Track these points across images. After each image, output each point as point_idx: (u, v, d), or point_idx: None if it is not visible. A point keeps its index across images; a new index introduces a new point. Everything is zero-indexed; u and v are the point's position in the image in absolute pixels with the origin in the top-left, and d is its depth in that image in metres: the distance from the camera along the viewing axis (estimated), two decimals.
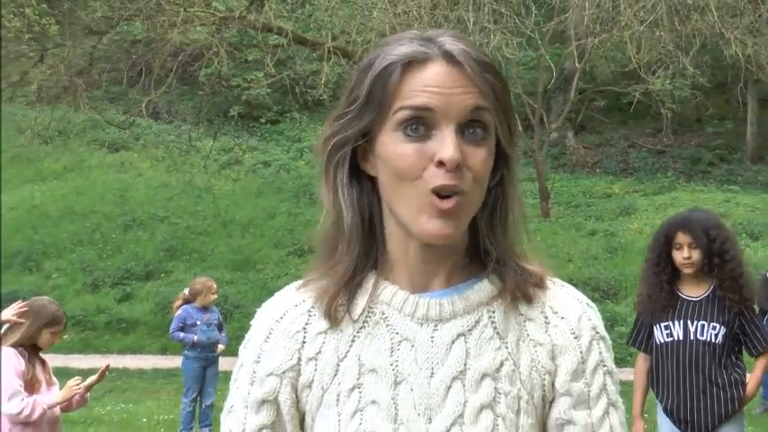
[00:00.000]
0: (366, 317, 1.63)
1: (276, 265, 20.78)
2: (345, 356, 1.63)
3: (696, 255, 5.51)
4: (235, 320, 17.92)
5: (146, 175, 25.60)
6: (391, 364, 1.59)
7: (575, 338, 1.61)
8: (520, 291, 1.61)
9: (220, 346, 11.04)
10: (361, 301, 1.63)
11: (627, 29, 16.66)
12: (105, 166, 26.70)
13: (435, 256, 1.61)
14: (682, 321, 5.62)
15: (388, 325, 1.62)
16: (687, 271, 5.59)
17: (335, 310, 1.63)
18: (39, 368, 6.26)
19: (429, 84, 1.53)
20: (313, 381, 1.64)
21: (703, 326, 5.57)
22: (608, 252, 20.65)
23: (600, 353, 1.63)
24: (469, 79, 1.54)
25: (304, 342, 1.66)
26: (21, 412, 5.90)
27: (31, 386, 6.06)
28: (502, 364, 1.59)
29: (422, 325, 1.60)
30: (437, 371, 1.58)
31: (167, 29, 18.75)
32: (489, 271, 1.63)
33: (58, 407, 6.22)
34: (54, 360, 6.50)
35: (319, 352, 1.64)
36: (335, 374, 1.63)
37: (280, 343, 1.67)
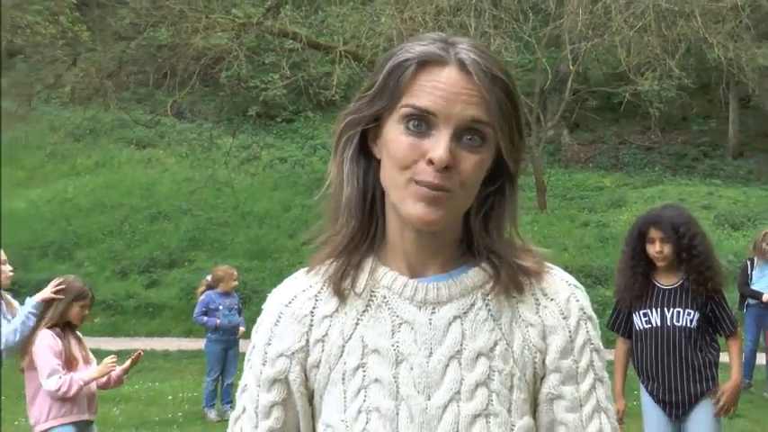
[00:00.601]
0: (369, 300, 1.65)
1: (291, 254, 20.77)
2: (350, 338, 1.64)
3: (667, 249, 5.60)
4: (253, 305, 17.88)
5: (170, 171, 25.61)
6: (392, 345, 1.61)
7: (563, 318, 1.62)
8: (512, 282, 1.62)
9: (241, 329, 11.05)
10: (362, 281, 1.66)
11: (617, 34, 16.65)
12: (133, 162, 26.72)
13: (429, 244, 1.63)
14: (659, 309, 5.70)
15: (389, 308, 1.64)
16: (660, 263, 5.67)
17: (343, 288, 1.66)
18: (75, 346, 6.29)
19: (437, 86, 1.53)
20: (321, 361, 1.66)
21: (679, 312, 5.64)
22: (600, 241, 20.61)
23: (587, 332, 1.65)
24: (476, 90, 1.53)
25: (311, 325, 1.68)
26: (59, 389, 5.94)
27: (68, 364, 6.09)
28: (496, 344, 1.60)
29: (420, 308, 1.62)
30: (435, 351, 1.59)
31: (190, 34, 18.76)
32: (482, 259, 1.65)
33: (95, 383, 6.24)
34: (86, 343, 6.48)
35: (326, 334, 1.66)
36: (341, 355, 1.64)
37: (289, 326, 1.70)
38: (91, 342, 6.35)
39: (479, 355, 1.59)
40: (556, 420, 1.60)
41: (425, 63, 1.55)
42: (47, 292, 6.22)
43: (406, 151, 1.54)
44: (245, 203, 22.88)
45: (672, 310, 5.64)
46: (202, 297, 11.08)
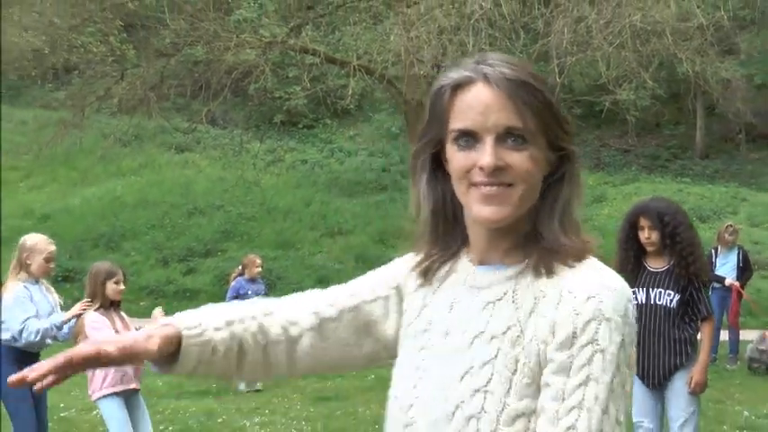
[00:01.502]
0: (443, 282, 1.76)
1: (311, 245, 20.79)
2: (425, 306, 1.77)
3: (654, 235, 5.65)
4: (278, 290, 17.93)
5: (205, 172, 25.64)
6: (445, 319, 1.71)
7: (575, 315, 1.54)
8: (543, 265, 1.61)
9: None
10: (445, 268, 1.77)
11: (598, 50, 16.59)
12: (172, 164, 26.76)
13: (491, 236, 1.67)
14: (644, 288, 5.73)
15: (453, 288, 1.73)
16: (649, 248, 5.72)
17: (428, 272, 1.78)
18: (119, 324, 6.31)
19: (471, 105, 1.59)
20: (406, 311, 1.81)
21: (661, 293, 5.67)
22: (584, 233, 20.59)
23: (595, 332, 1.52)
24: (504, 99, 1.57)
25: (409, 287, 1.84)
26: None
27: None
28: (509, 329, 1.60)
29: (469, 291, 1.70)
30: (467, 329, 1.65)
31: (223, 52, 18.77)
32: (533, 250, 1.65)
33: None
34: (130, 322, 6.50)
35: (413, 297, 1.81)
36: (417, 317, 1.77)
37: (402, 271, 1.88)
38: (135, 323, 6.37)
39: (492, 337, 1.61)
40: (539, 407, 1.55)
41: (458, 86, 1.61)
42: (75, 310, 6.26)
43: (461, 164, 1.60)
44: (270, 200, 22.90)
45: (656, 290, 5.68)
46: (233, 283, 11.14)
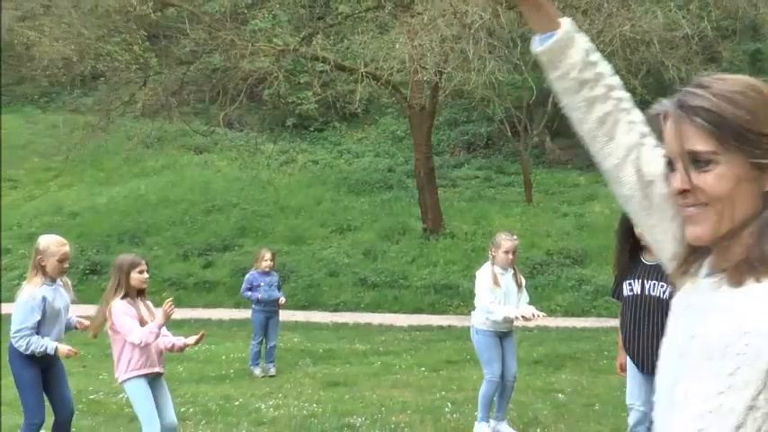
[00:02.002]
0: (694, 283, 1.69)
1: (322, 240, 20.80)
2: (684, 296, 1.71)
3: None
4: (291, 282, 17.98)
5: (222, 172, 25.67)
6: (679, 313, 1.72)
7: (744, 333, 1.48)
8: (735, 273, 1.57)
9: (282, 300, 11.10)
10: (694, 270, 1.71)
11: None
12: (192, 164, 26.80)
13: (714, 249, 1.64)
14: (640, 280, 5.75)
15: (692, 288, 1.69)
16: (643, 243, 5.69)
17: (685, 273, 1.72)
18: (144, 311, 6.33)
19: (665, 134, 1.61)
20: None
21: (655, 284, 5.68)
22: (577, 229, 20.57)
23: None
24: (688, 125, 1.55)
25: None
26: (141, 340, 6.04)
27: (140, 324, 6.16)
28: (694, 335, 1.60)
29: (693, 294, 1.68)
30: (684, 322, 1.67)
31: (239, 59, 18.81)
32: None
33: (165, 345, 6.29)
34: (154, 310, 6.52)
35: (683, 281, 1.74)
36: (681, 299, 1.73)
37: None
38: (159, 312, 6.37)
39: (693, 336, 1.60)
40: None
41: (664, 116, 1.62)
42: (66, 350, 6.29)
43: (670, 188, 1.62)
44: (283, 198, 22.91)
45: (650, 281, 5.69)
46: (247, 276, 11.16)
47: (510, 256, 7.51)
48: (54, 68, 21.19)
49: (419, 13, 17.83)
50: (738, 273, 1.55)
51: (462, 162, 27.25)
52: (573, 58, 1.79)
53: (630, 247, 5.79)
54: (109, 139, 23.47)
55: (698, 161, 1.54)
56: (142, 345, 6.12)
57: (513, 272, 7.61)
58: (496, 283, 7.42)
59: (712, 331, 1.53)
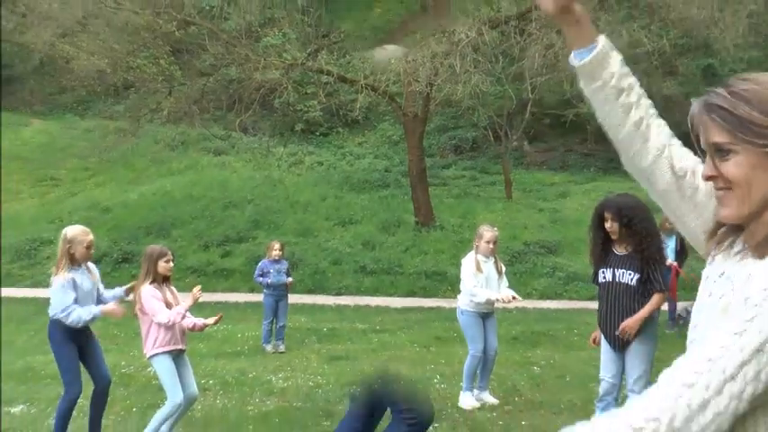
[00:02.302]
0: (728, 254, 1.68)
1: (326, 232, 20.81)
2: (717, 266, 1.69)
3: (615, 226, 5.70)
4: (299, 269, 17.98)
5: (238, 172, 25.64)
6: (711, 281, 1.69)
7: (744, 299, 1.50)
8: (753, 246, 1.60)
9: (289, 280, 11.12)
10: (727, 246, 1.69)
11: (564, 71, 16.59)
12: (211, 165, 26.77)
13: (739, 228, 1.66)
14: (611, 269, 5.79)
15: (723, 260, 1.68)
16: (613, 236, 5.75)
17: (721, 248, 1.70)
18: (169, 295, 6.35)
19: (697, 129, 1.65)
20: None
21: (623, 272, 5.72)
22: (551, 222, 20.58)
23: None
24: (708, 121, 1.59)
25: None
26: (168, 320, 6.07)
27: (167, 307, 6.20)
28: (723, 296, 1.60)
29: (725, 264, 1.67)
30: (714, 288, 1.66)
31: (253, 72, 18.81)
32: None
33: (187, 325, 6.31)
34: (178, 295, 6.54)
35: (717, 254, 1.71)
36: (711, 271, 1.71)
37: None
38: (182, 296, 6.40)
39: (718, 297, 1.62)
40: None
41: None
42: (111, 308, 6.30)
43: (702, 174, 1.64)
44: (292, 195, 22.90)
45: (620, 270, 5.72)
46: (259, 264, 11.18)
47: (491, 246, 7.55)
48: (90, 80, 21.22)
49: (412, 32, 17.83)
50: (761, 247, 1.58)
51: (450, 163, 27.24)
52: (612, 69, 1.84)
53: (603, 240, 5.81)
54: (138, 142, 23.49)
55: (720, 151, 1.58)
56: (170, 324, 6.15)
57: (494, 260, 7.64)
58: (479, 269, 7.46)
59: (737, 293, 1.54)
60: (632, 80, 1.86)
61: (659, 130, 1.86)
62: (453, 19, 18.22)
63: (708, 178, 1.61)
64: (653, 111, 1.88)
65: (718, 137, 1.58)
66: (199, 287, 6.37)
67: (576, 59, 1.86)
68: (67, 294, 6.20)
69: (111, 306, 6.34)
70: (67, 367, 6.34)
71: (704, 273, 1.75)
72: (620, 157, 1.93)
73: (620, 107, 1.85)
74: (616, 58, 1.85)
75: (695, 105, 1.64)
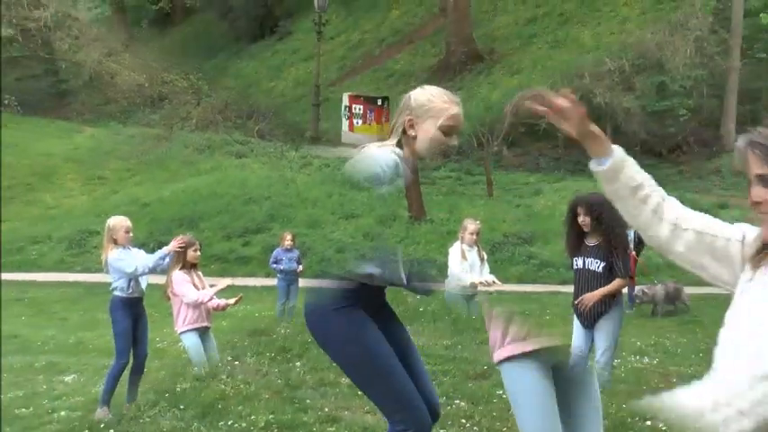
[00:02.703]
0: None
1: (332, 225, 20.77)
2: (760, 278, 1.67)
3: (587, 219, 5.62)
4: (308, 257, 17.92)
5: (257, 172, 25.55)
6: (757, 291, 1.67)
7: None
8: None
9: (299, 268, 11.08)
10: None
11: (537, 87, 16.67)
12: (233, 166, 26.67)
13: None
14: (582, 258, 5.76)
15: (764, 273, 1.67)
16: (585, 229, 5.70)
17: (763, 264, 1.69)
18: (196, 280, 6.34)
19: None
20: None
21: (592, 261, 5.69)
22: (527, 216, 20.57)
23: None
24: (750, 155, 1.62)
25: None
26: (198, 299, 6.06)
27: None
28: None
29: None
30: (759, 296, 1.65)
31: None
32: None
33: (211, 304, 6.31)
34: (204, 280, 6.52)
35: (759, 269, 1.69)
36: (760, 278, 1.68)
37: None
38: (207, 280, 6.39)
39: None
40: None
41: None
42: (173, 246, 6.30)
43: (749, 200, 1.65)
44: (303, 192, 22.86)
45: (589, 259, 5.69)
46: (273, 252, 11.18)
47: (475, 237, 7.54)
48: (131, 93, 21.20)
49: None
50: None
51: (440, 166, 27.18)
52: (627, 173, 1.89)
53: (576, 232, 5.76)
54: (171, 146, 23.45)
55: (763, 180, 1.60)
56: (198, 303, 6.14)
57: (477, 249, 7.63)
58: (464, 257, 7.45)
59: None
60: (643, 176, 1.91)
61: (671, 208, 1.88)
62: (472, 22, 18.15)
63: (754, 204, 1.62)
64: (663, 193, 1.90)
65: (759, 169, 1.60)
66: (229, 279, 6.43)
67: (595, 165, 1.93)
68: (124, 260, 6.18)
69: (174, 245, 6.27)
70: (122, 339, 6.33)
71: (745, 286, 1.70)
72: (641, 235, 1.97)
73: (638, 200, 1.89)
74: (630, 163, 1.91)
75: (740, 141, 1.66)
